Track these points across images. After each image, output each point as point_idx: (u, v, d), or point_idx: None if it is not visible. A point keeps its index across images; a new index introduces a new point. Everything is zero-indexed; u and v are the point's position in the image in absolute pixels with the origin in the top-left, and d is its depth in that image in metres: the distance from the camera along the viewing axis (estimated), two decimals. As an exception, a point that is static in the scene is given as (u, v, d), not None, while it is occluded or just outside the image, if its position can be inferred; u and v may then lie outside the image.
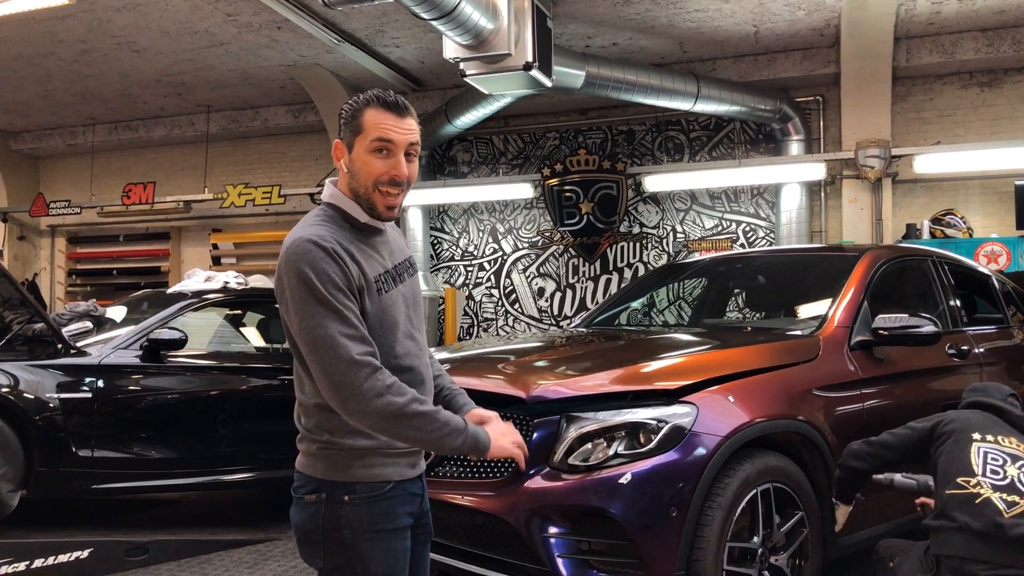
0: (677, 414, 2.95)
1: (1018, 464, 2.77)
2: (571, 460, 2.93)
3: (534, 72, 6.32)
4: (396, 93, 1.90)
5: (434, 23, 5.64)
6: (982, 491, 2.68)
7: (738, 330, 4.32)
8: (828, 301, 3.94)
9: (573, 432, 2.95)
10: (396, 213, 1.90)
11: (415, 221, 9.88)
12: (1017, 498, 2.67)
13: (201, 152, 10.89)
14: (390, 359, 1.85)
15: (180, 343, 4.96)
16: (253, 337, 6.04)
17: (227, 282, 5.67)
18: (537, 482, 2.93)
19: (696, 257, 8.46)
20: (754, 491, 3.04)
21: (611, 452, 2.92)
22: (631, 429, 2.94)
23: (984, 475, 2.72)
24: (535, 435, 2.98)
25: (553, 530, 2.89)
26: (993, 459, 2.76)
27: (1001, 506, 2.65)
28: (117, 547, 4.63)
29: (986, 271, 5.28)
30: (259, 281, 6.18)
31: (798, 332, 3.81)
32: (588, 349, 3.81)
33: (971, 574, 2.66)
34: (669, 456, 2.87)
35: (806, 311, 4.19)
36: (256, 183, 10.40)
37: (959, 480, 2.74)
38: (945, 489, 2.77)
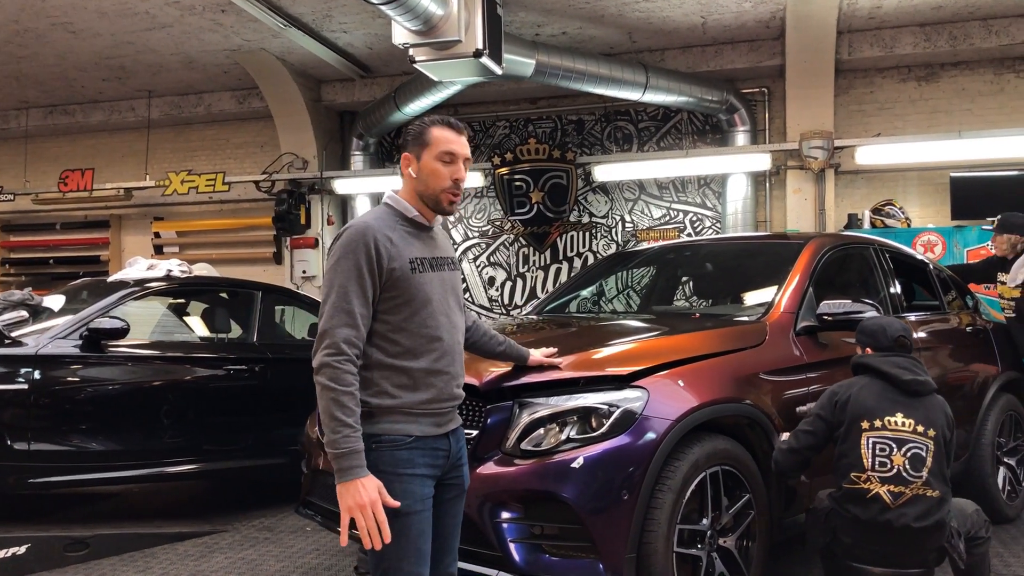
0: (628, 398, 2.97)
1: (903, 449, 3.09)
2: (523, 445, 2.94)
3: (484, 59, 6.29)
4: (453, 117, 2.40)
5: (383, 7, 5.57)
6: (872, 487, 3.07)
7: (686, 316, 4.37)
8: (774, 288, 4.01)
9: (526, 417, 2.96)
10: (455, 208, 2.37)
11: (363, 210, 9.77)
12: (903, 488, 3.05)
13: (142, 138, 10.60)
14: (422, 328, 2.26)
15: (122, 332, 4.83)
16: (198, 326, 5.92)
17: (171, 270, 5.53)
18: (490, 467, 2.93)
19: (645, 245, 8.53)
20: (703, 474, 3.08)
21: (563, 437, 2.93)
22: (583, 414, 2.96)
23: (873, 468, 3.07)
24: (489, 421, 2.98)
25: (505, 515, 2.90)
26: (881, 449, 3.09)
27: (888, 499, 3.05)
28: (56, 542, 4.51)
29: (924, 259, 5.43)
30: (204, 269, 6.03)
31: (745, 318, 3.87)
32: (540, 336, 3.81)
33: (859, 548, 3.10)
34: (620, 440, 2.89)
35: (753, 298, 4.25)
36: (199, 170, 10.17)
37: (852, 475, 3.11)
38: (842, 482, 3.14)
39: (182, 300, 5.98)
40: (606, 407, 2.96)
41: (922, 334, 4.60)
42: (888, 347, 3.31)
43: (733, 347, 3.47)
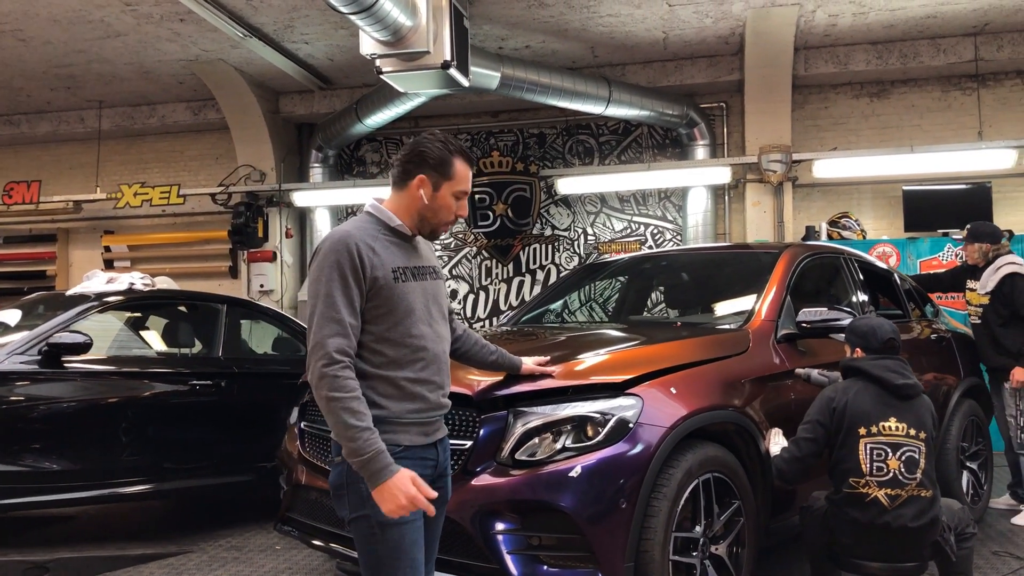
0: (623, 406, 2.96)
1: (898, 452, 3.18)
2: (518, 455, 2.91)
3: (452, 71, 6.28)
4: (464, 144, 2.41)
5: (353, 17, 5.52)
6: (870, 491, 3.15)
7: (668, 325, 4.39)
8: (752, 297, 4.05)
9: (520, 427, 2.93)
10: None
11: (323, 223, 9.65)
12: (899, 490, 3.15)
13: (92, 150, 10.31)
14: (406, 338, 2.24)
15: (84, 347, 4.66)
16: (162, 341, 5.74)
17: (132, 283, 5.36)
18: (485, 479, 2.89)
19: (615, 256, 8.58)
20: (696, 481, 3.08)
21: (558, 446, 2.90)
22: (578, 422, 2.94)
23: (871, 474, 3.15)
24: (482, 431, 2.94)
25: (501, 527, 2.86)
26: (878, 455, 3.17)
27: (886, 501, 3.13)
28: (14, 567, 4.35)
29: (888, 268, 5.55)
30: (165, 283, 5.86)
31: (727, 326, 3.90)
32: (530, 345, 3.78)
33: (859, 547, 3.19)
34: (617, 448, 2.88)
35: (731, 306, 4.28)
36: (152, 183, 9.93)
37: (851, 480, 3.19)
38: (841, 487, 3.21)
39: (145, 314, 5.80)
40: (601, 415, 2.94)
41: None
42: (878, 349, 3.38)
43: (719, 355, 3.49)
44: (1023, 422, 5.19)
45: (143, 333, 5.80)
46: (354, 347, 2.16)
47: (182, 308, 5.87)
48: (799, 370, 3.70)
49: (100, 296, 5.17)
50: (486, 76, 7.39)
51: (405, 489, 2.06)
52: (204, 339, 5.68)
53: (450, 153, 2.31)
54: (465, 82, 6.59)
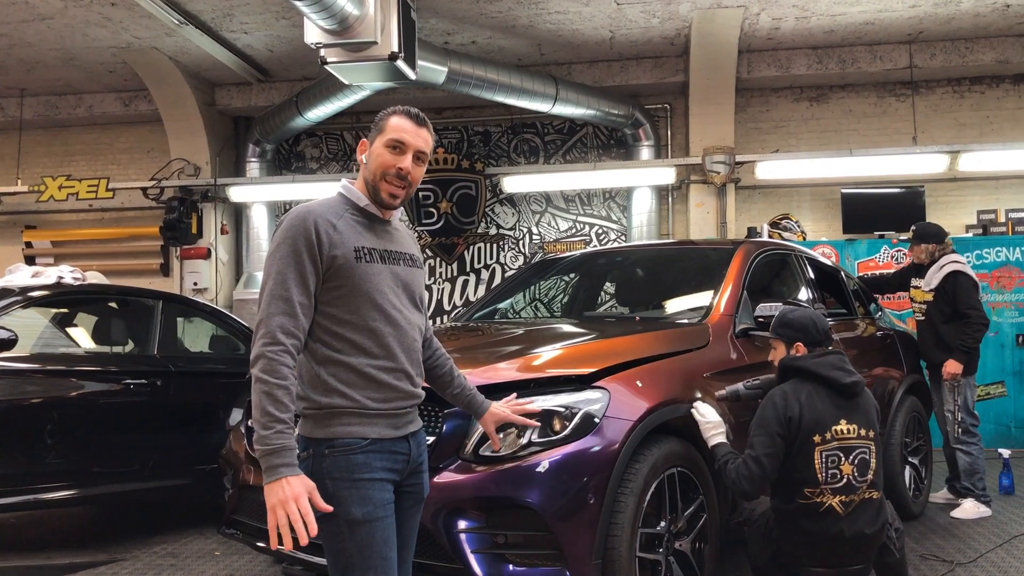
0: (590, 400, 2.89)
1: (851, 456, 3.09)
2: (482, 451, 2.80)
3: (399, 63, 6.14)
4: (416, 109, 2.25)
5: (298, 4, 5.34)
6: (824, 499, 3.04)
7: (628, 320, 4.34)
8: (710, 292, 4.03)
9: (483, 422, 2.81)
10: (396, 203, 2.23)
11: (260, 219, 9.37)
12: (852, 496, 3.06)
13: (12, 140, 9.80)
14: (369, 322, 2.13)
15: (10, 343, 4.37)
16: (93, 338, 5.44)
17: (61, 277, 5.06)
18: (447, 476, 2.77)
19: (573, 252, 8.54)
20: (661, 476, 3.02)
21: (524, 441, 2.81)
22: (544, 417, 2.83)
23: (826, 482, 3.04)
24: (445, 427, 2.83)
25: (465, 525, 2.75)
26: (832, 462, 3.07)
27: (840, 509, 3.04)
28: (-71, 580, 4.02)
29: (835, 266, 5.62)
30: (96, 278, 5.57)
31: (686, 321, 3.86)
32: (489, 339, 3.68)
33: (807, 556, 3.09)
34: (585, 442, 2.80)
35: (689, 302, 4.25)
36: (79, 176, 9.50)
37: (806, 491, 3.07)
38: (795, 497, 3.08)
39: (74, 310, 5.49)
40: (567, 409, 2.86)
41: (837, 337, 4.72)
42: (819, 341, 3.30)
43: (681, 348, 3.45)
44: (960, 417, 5.31)
45: (72, 330, 5.49)
46: (303, 328, 2.05)
47: (114, 304, 5.58)
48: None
49: (25, 290, 4.86)
50: (433, 70, 7.26)
51: (295, 487, 1.90)
52: (138, 336, 5.40)
53: (386, 113, 2.24)
54: (412, 75, 6.46)
